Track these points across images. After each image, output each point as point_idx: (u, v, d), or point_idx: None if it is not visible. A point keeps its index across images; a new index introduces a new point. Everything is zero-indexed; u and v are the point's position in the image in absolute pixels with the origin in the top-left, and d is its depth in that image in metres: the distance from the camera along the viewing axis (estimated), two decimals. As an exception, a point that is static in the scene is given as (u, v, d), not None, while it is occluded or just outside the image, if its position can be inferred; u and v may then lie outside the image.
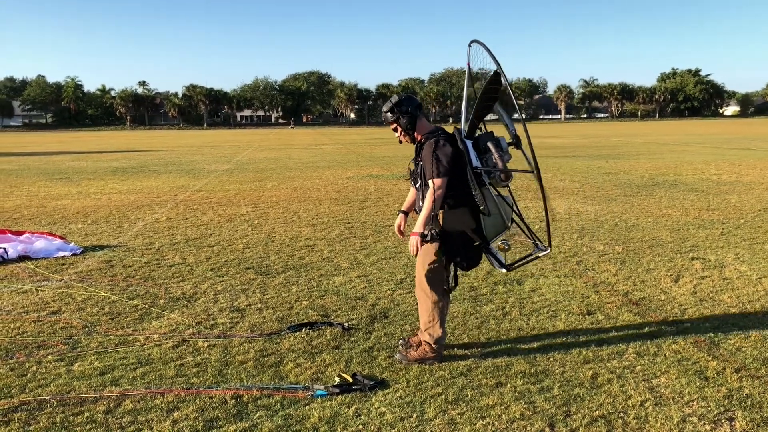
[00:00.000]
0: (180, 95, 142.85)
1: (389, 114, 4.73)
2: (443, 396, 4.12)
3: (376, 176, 19.22)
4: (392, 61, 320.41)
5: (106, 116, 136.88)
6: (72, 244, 8.86)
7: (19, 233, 8.85)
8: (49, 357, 4.85)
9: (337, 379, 4.35)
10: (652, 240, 9.02)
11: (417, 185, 4.77)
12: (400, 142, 4.84)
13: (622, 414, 3.86)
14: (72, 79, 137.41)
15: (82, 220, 11.68)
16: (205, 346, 5.05)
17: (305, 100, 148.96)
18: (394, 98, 4.76)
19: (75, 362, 4.75)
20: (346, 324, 5.45)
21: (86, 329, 5.49)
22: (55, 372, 4.56)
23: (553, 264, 7.62)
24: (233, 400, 4.07)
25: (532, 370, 4.50)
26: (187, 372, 4.55)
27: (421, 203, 4.69)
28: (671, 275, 7.08)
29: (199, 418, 3.83)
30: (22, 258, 8.18)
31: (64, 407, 3.98)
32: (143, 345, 5.09)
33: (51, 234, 9.13)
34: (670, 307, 5.96)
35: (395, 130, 4.75)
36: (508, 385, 4.27)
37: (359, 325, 5.50)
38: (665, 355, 4.76)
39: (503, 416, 3.84)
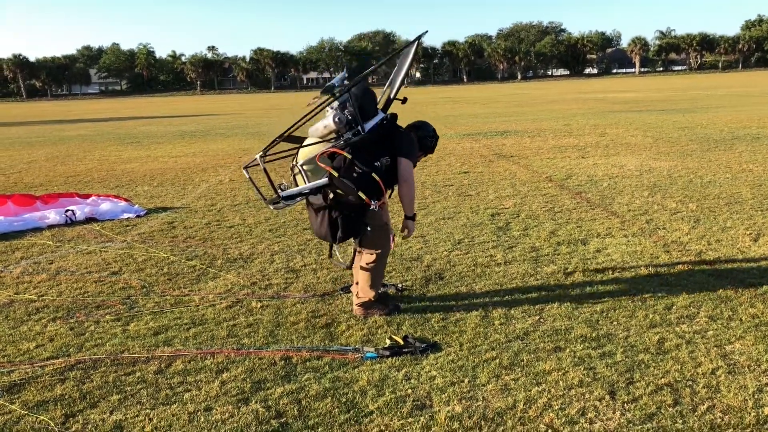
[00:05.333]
0: (248, 59, 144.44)
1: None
2: (497, 360, 3.95)
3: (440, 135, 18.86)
4: (458, 16, 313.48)
5: (177, 82, 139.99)
6: (136, 206, 9.04)
7: (86, 196, 9.08)
8: (107, 317, 4.92)
9: (388, 342, 4.23)
10: (730, 197, 8.47)
11: None
12: None
13: (690, 382, 3.60)
14: (144, 46, 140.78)
15: (149, 182, 11.93)
16: (259, 306, 5.02)
17: (371, 61, 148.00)
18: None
19: (131, 322, 4.80)
20: (400, 285, 5.32)
21: (144, 289, 5.56)
22: (112, 332, 4.62)
23: (621, 223, 7.25)
24: (282, 362, 4.02)
25: (594, 335, 4.26)
26: (238, 333, 4.53)
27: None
28: (750, 234, 6.61)
29: (248, 380, 3.79)
30: (89, 220, 8.40)
31: (117, 367, 4.03)
32: (198, 305, 5.11)
33: (116, 196, 9.33)
34: (747, 267, 5.55)
35: None
36: (567, 350, 4.06)
37: (413, 287, 5.36)
38: (741, 320, 4.43)
39: (560, 382, 3.64)
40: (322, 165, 4.36)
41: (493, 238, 6.81)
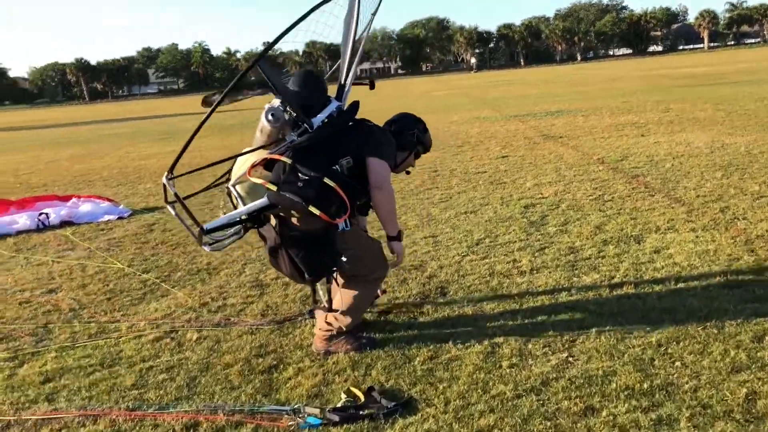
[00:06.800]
0: (300, 53, 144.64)
1: None
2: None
3: (483, 118, 17.35)
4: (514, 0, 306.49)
5: (233, 78, 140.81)
6: (121, 206, 8.01)
7: (67, 198, 8.11)
8: (3, 354, 3.81)
9: (342, 397, 2.96)
10: (828, 176, 6.78)
11: None
12: None
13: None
14: (199, 44, 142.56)
15: (156, 179, 10.94)
16: (194, 338, 3.81)
17: (424, 48, 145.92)
18: None
19: (27, 362, 3.68)
20: (375, 306, 3.99)
21: (71, 313, 4.44)
22: (-6, 377, 3.50)
23: (687, 212, 5.72)
24: (186, 431, 2.79)
25: (645, 386, 2.87)
26: (148, 381, 3.33)
27: None
28: None
29: (121, 465, 2.58)
30: (64, 223, 7.41)
31: (-42, 439, 2.88)
32: (121, 336, 3.94)
33: (100, 197, 8.32)
34: None
35: None
36: (604, 413, 2.69)
37: (403, 307, 4.05)
38: None
39: (588, 480, 2.28)
40: (256, 179, 3.13)
41: (521, 237, 5.41)
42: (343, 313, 3.46)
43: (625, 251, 4.80)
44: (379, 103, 29.15)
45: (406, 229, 6.02)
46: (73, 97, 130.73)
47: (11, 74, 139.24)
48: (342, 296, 3.48)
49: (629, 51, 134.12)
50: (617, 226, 5.49)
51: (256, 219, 3.25)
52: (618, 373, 3.01)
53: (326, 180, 3.06)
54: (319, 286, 3.88)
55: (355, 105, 3.43)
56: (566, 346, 3.34)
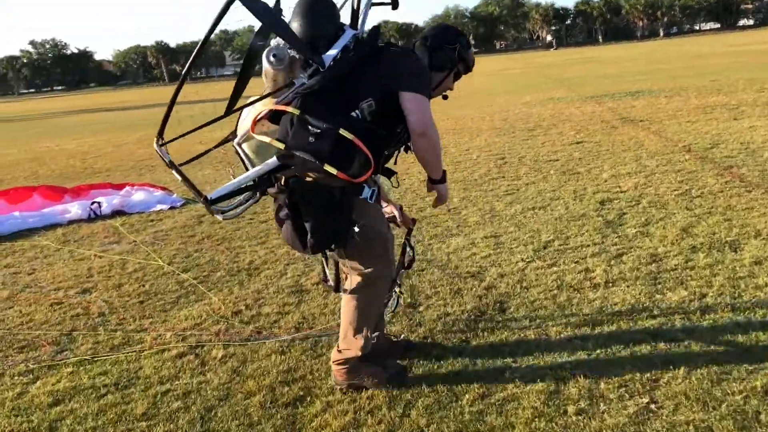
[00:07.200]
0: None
1: None
2: None
3: (558, 99, 16.42)
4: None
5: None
6: (174, 195, 7.78)
7: (120, 186, 7.94)
8: (20, 366, 3.54)
9: (373, 447, 2.49)
10: None
11: None
12: None
13: None
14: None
15: (217, 164, 10.73)
16: (218, 356, 3.43)
17: (498, 26, 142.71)
18: None
19: (41, 378, 3.38)
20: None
21: (99, 318, 4.15)
22: (3, 395, 3.22)
23: (794, 214, 4.95)
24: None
25: (752, 453, 2.28)
26: (161, 410, 2.96)
27: None
28: None
29: None
30: (116, 213, 7.23)
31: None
32: (144, 349, 3.60)
33: (153, 185, 8.12)
34: None
35: None
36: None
37: (454, 326, 3.54)
38: None
39: None
40: (260, 137, 2.65)
41: (596, 239, 4.79)
42: (347, 335, 2.94)
43: (719, 261, 4.12)
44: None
45: (465, 227, 5.49)
46: (154, 78, 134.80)
47: (97, 57, 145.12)
48: (343, 315, 2.97)
49: (717, 25, 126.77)
50: (708, 228, 4.78)
51: (267, 182, 2.73)
52: (713, 429, 2.43)
53: (342, 131, 2.50)
54: (327, 267, 3.21)
55: (375, 30, 2.80)
56: (647, 387, 2.76)
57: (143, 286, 4.74)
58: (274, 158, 2.64)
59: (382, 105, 2.61)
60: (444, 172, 2.90)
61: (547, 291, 3.90)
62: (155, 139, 2.71)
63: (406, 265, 3.29)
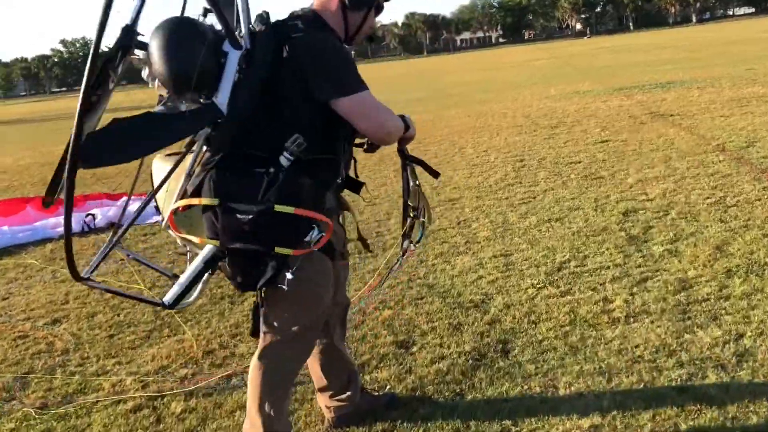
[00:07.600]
0: (400, 24, 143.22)
1: None
2: None
3: (584, 92, 15.72)
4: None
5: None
6: (172, 205, 7.41)
7: (116, 197, 7.62)
8: (-40, 420, 3.16)
9: None
10: None
11: None
12: None
13: None
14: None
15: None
16: (177, 412, 3.01)
17: (526, 15, 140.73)
18: None
19: (-22, 436, 3.00)
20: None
21: (61, 357, 3.77)
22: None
23: None
24: None
25: None
26: (98, 484, 2.54)
27: None
28: None
29: None
30: (111, 226, 6.88)
31: None
32: (99, 399, 3.20)
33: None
34: None
35: None
36: None
37: (449, 372, 3.07)
38: None
39: None
40: (188, 236, 2.25)
41: (617, 260, 4.26)
42: (251, 408, 2.42)
43: (758, 290, 3.58)
44: (466, 76, 27.88)
45: (474, 243, 5.00)
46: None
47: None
48: (249, 381, 2.45)
49: (751, 10, 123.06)
50: (745, 246, 4.22)
51: (214, 264, 2.26)
52: None
53: (278, 207, 2.03)
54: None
55: (265, 36, 2.17)
56: (673, 466, 2.26)
57: (118, 315, 4.36)
58: (210, 248, 2.19)
59: (314, 130, 2.15)
60: (405, 121, 2.48)
61: (558, 327, 3.41)
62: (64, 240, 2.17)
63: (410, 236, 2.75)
